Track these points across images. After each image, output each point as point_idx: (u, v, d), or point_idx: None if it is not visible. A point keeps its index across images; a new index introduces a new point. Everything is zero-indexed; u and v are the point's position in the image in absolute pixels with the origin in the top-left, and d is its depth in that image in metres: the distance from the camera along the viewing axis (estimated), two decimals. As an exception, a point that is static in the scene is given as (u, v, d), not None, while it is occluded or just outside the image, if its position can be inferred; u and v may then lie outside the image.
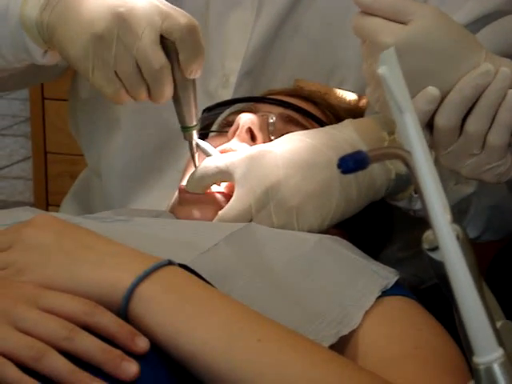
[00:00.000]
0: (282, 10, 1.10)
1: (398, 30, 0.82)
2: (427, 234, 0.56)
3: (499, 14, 1.03)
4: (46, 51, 0.98)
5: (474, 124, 0.83)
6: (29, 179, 2.15)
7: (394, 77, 0.54)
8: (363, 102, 1.09)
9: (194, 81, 0.94)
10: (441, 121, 0.84)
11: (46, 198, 1.95)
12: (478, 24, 1.02)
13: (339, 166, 0.52)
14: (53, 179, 1.93)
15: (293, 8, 1.10)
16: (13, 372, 0.64)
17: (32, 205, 1.86)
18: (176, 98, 0.94)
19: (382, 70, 0.53)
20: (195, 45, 0.91)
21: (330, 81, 1.11)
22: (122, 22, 0.89)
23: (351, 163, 0.52)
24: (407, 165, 0.54)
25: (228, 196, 0.92)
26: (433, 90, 0.82)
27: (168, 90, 0.91)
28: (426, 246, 0.56)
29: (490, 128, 0.84)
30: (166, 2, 0.92)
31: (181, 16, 0.90)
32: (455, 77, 0.83)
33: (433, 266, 0.57)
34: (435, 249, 0.56)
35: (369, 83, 0.87)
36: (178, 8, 0.91)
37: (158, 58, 0.89)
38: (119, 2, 0.90)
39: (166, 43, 0.90)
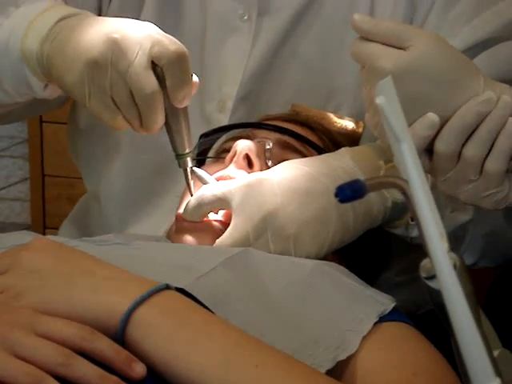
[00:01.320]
0: (279, 36, 1.11)
1: (396, 56, 0.83)
2: (424, 262, 0.56)
3: (494, 41, 1.04)
4: (46, 85, 0.99)
5: (472, 150, 0.84)
6: (26, 201, 2.15)
7: (391, 106, 0.54)
8: (360, 127, 1.09)
9: (185, 108, 0.94)
10: (441, 147, 0.84)
11: (43, 220, 1.95)
12: (472, 51, 1.02)
13: (337, 194, 0.52)
14: (50, 201, 1.93)
15: (289, 34, 1.11)
16: None
17: (29, 226, 1.86)
18: (168, 126, 0.94)
19: (379, 100, 0.54)
20: (183, 72, 0.91)
21: (327, 106, 1.11)
22: (115, 47, 0.89)
23: (349, 192, 0.52)
24: (404, 194, 0.54)
25: (225, 224, 0.93)
26: (432, 116, 0.83)
27: (159, 117, 0.92)
28: (423, 274, 0.56)
29: (488, 154, 0.84)
30: (160, 30, 0.93)
31: (171, 43, 0.90)
32: (454, 103, 0.83)
33: (430, 294, 0.57)
34: (432, 277, 0.56)
35: (368, 109, 0.88)
36: (171, 37, 0.92)
37: (150, 82, 0.89)
38: (115, 29, 0.91)
39: (157, 70, 0.91)
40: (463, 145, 0.84)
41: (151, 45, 0.90)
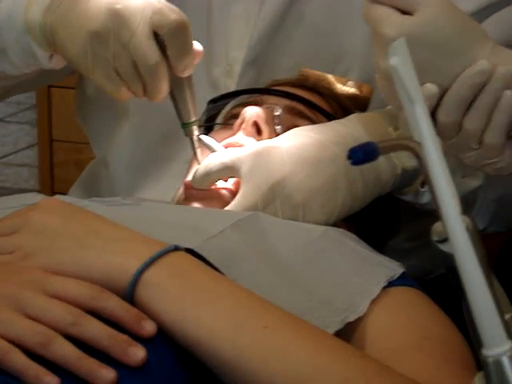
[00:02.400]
0: None
1: (400, 22, 0.82)
2: (436, 225, 0.56)
3: (506, 2, 1.02)
4: (51, 55, 0.98)
5: (470, 122, 0.83)
6: (34, 166, 2.15)
7: (404, 67, 0.53)
8: (369, 91, 1.08)
9: (189, 77, 0.93)
10: (442, 117, 0.84)
11: (52, 186, 1.95)
12: (484, 12, 1.01)
13: (349, 157, 0.52)
14: (58, 167, 1.93)
15: None
16: (20, 359, 0.64)
17: (37, 192, 1.86)
18: (172, 95, 0.94)
19: (393, 61, 0.53)
20: (183, 42, 0.90)
21: (336, 70, 1.10)
22: (117, 18, 0.89)
23: (361, 154, 0.52)
24: (417, 156, 0.54)
25: (234, 192, 0.92)
26: (430, 87, 0.82)
27: (164, 86, 0.91)
28: (435, 237, 0.56)
29: (486, 127, 0.84)
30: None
31: (171, 12, 0.90)
32: (455, 71, 0.82)
33: (442, 258, 0.56)
34: (444, 240, 0.55)
35: (377, 71, 0.87)
36: (171, 5, 0.91)
37: (152, 53, 0.89)
38: None
39: (160, 40, 0.90)
40: (465, 114, 0.84)
41: (151, 14, 0.89)
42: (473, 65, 0.82)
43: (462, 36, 0.83)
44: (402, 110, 0.83)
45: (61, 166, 1.94)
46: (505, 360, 0.52)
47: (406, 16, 0.82)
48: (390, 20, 0.82)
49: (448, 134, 0.85)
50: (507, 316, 0.55)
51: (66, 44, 0.92)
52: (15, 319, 0.66)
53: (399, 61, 0.53)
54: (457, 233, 0.51)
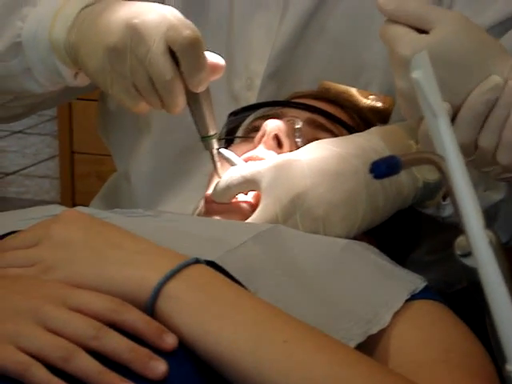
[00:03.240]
0: (307, 11, 1.10)
1: (416, 41, 0.81)
2: (460, 239, 0.56)
3: None
4: (76, 73, 0.99)
5: (485, 140, 0.82)
6: (55, 178, 2.15)
7: (427, 81, 0.53)
8: (390, 103, 1.08)
9: (207, 91, 0.93)
10: (457, 136, 0.83)
11: (73, 198, 1.95)
12: (505, 25, 1.01)
13: (371, 170, 0.52)
14: (79, 179, 1.93)
15: (318, 9, 1.10)
16: (41, 373, 0.64)
17: (58, 204, 1.87)
18: (190, 109, 0.94)
19: (415, 74, 0.53)
20: (196, 57, 0.90)
21: (356, 82, 1.10)
22: (134, 33, 0.89)
23: (384, 168, 0.52)
24: (440, 170, 0.54)
25: (254, 206, 0.92)
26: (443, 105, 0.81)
27: (180, 101, 0.91)
28: (458, 251, 0.56)
29: (497, 145, 0.83)
30: (178, 13, 0.92)
31: (185, 28, 0.90)
32: (470, 89, 0.81)
33: (465, 272, 0.56)
34: (468, 255, 0.55)
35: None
36: (187, 21, 0.91)
37: (168, 69, 0.89)
38: (133, 15, 0.91)
39: (176, 55, 0.90)
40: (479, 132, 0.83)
41: (166, 29, 0.89)
42: (484, 81, 0.81)
43: (478, 53, 0.82)
44: (421, 123, 0.83)
45: (82, 178, 1.95)
46: (529, 376, 0.52)
47: (422, 35, 0.82)
48: (405, 39, 0.82)
49: (465, 152, 0.84)
50: (531, 331, 0.55)
51: (86, 60, 0.93)
52: (37, 333, 0.65)
53: (421, 74, 0.53)
54: (480, 247, 0.51)
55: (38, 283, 0.71)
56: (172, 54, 0.90)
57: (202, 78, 0.91)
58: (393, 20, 0.83)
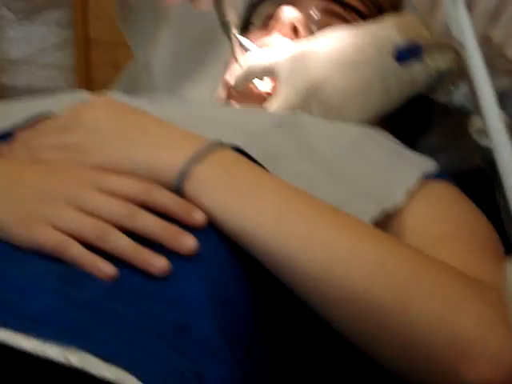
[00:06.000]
0: None
1: None
2: (474, 120, 0.58)
3: None
4: None
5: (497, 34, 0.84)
6: (68, 67, 2.12)
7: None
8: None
9: None
10: None
11: (88, 87, 1.95)
12: None
13: (395, 55, 0.54)
14: (95, 68, 1.92)
15: None
16: (77, 249, 0.66)
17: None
18: None
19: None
20: None
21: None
22: None
23: (406, 52, 0.54)
24: (458, 54, 0.56)
25: (270, 94, 0.94)
26: None
27: None
28: (473, 132, 0.58)
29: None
30: None
31: None
32: None
33: (479, 153, 0.59)
34: (482, 135, 0.58)
35: None
36: None
37: None
38: None
39: None
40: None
41: None
42: None
43: None
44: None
45: (98, 67, 1.94)
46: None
47: None
48: None
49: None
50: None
51: None
52: (72, 214, 0.67)
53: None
54: (496, 127, 0.53)
55: (71, 168, 0.72)
56: None
57: None
58: None
